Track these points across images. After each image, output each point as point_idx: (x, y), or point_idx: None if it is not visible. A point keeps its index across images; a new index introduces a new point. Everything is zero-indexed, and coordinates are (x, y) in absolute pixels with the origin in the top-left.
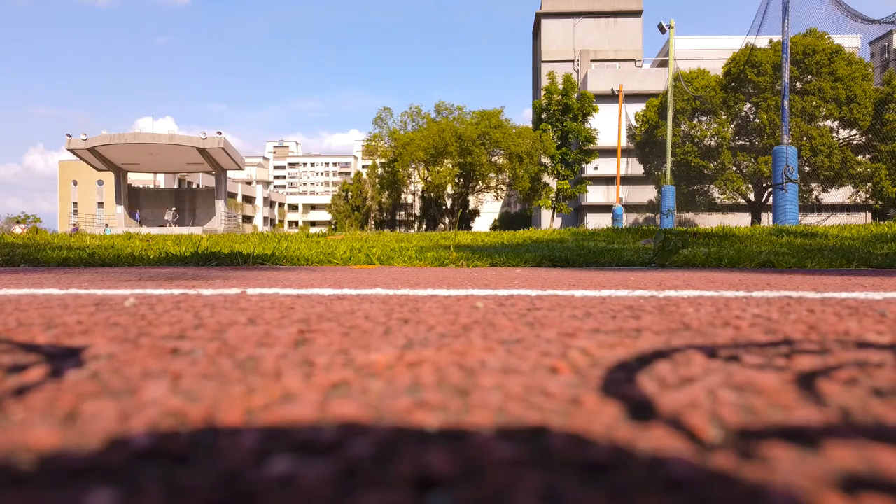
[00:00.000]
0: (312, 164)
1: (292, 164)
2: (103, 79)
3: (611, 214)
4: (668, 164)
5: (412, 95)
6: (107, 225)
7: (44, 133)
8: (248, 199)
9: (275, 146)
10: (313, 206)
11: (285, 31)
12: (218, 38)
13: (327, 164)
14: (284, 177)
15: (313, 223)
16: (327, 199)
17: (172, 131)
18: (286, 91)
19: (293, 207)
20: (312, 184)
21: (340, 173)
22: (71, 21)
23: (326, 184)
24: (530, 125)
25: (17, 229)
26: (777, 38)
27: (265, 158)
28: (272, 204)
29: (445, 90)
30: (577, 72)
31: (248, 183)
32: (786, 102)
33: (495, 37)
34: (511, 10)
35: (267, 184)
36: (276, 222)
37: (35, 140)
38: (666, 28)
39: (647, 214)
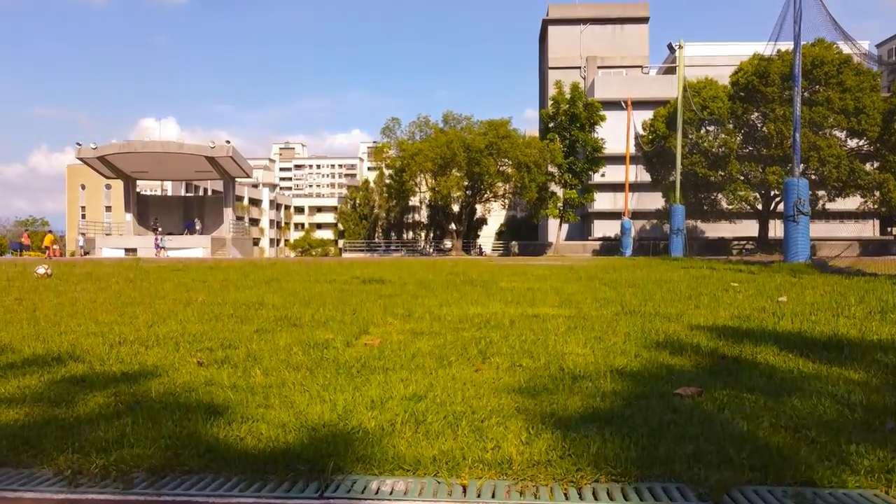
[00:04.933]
0: (318, 166)
1: (298, 166)
2: (104, 79)
3: (617, 221)
4: (678, 184)
5: (415, 94)
6: (158, 233)
7: (47, 134)
8: (255, 202)
9: (280, 148)
10: (319, 209)
11: (283, 30)
12: (217, 38)
13: (333, 165)
14: (290, 178)
15: (319, 226)
16: (333, 202)
17: (176, 132)
18: (287, 91)
19: (299, 210)
20: (318, 185)
21: (346, 175)
22: (66, 21)
23: (332, 185)
24: (534, 126)
25: (41, 269)
26: (785, 47)
27: (271, 160)
28: (278, 206)
29: (450, 89)
30: (584, 78)
31: (255, 186)
32: (797, 135)
33: (501, 36)
34: (517, 11)
35: (273, 187)
36: (283, 225)
37: (39, 141)
38: (675, 48)
39: (655, 221)
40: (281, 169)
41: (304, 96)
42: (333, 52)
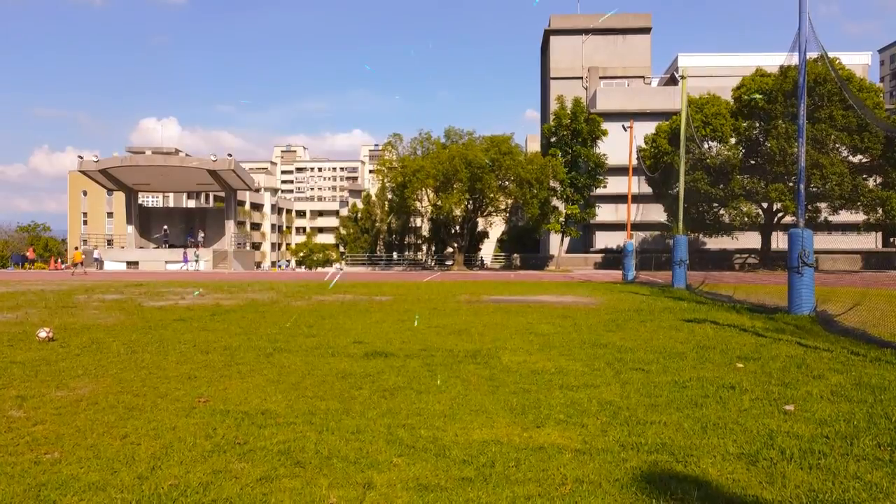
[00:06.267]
0: (320, 170)
1: (300, 170)
2: (105, 80)
3: (619, 232)
4: (680, 216)
5: (416, 95)
6: (189, 246)
7: (47, 134)
8: (256, 207)
9: (282, 151)
10: (321, 213)
11: (283, 30)
12: (218, 38)
13: (334, 168)
14: (292, 181)
15: (321, 230)
16: (335, 206)
17: (177, 132)
18: (288, 91)
19: (300, 214)
20: (320, 188)
21: (348, 178)
22: (67, 21)
23: (334, 188)
24: (534, 129)
25: (42, 333)
26: (787, 63)
27: (272, 163)
28: (280, 211)
29: (451, 90)
30: (587, 89)
31: (257, 191)
32: (801, 186)
33: (502, 37)
34: (520, 12)
35: (275, 191)
36: (284, 229)
37: (40, 141)
38: (679, 80)
39: (657, 233)
40: (282, 172)
41: (304, 96)
42: (334, 52)
